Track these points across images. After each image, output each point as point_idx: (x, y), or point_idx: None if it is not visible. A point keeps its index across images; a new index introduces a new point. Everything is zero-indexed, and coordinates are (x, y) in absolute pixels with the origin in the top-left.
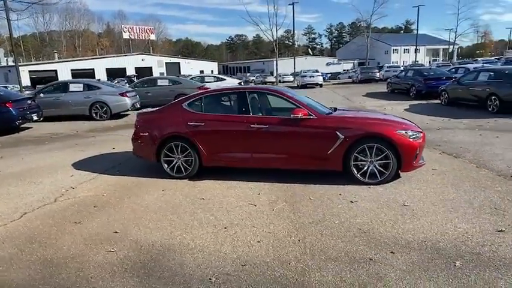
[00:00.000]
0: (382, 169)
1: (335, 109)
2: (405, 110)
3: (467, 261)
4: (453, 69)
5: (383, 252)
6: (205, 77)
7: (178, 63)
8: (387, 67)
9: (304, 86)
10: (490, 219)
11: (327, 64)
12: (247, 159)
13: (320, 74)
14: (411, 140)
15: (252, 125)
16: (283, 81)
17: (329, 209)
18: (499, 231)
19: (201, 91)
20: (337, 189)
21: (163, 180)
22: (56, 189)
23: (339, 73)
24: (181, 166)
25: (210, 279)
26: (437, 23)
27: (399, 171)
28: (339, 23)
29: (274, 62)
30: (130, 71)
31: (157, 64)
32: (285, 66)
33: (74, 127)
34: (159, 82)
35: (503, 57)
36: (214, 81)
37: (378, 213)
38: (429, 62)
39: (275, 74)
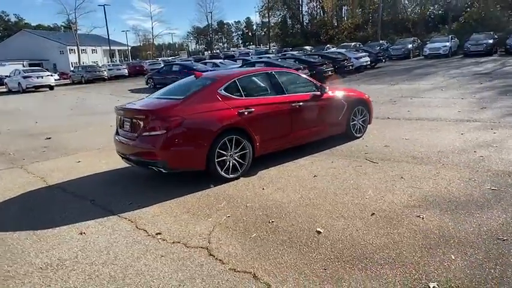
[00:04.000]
0: (363, 124)
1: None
2: None
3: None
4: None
5: (487, 149)
6: None
7: None
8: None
9: (28, 90)
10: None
11: None
12: (290, 139)
13: (49, 73)
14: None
15: (293, 104)
16: None
17: (403, 161)
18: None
19: (232, 73)
20: (356, 147)
21: (229, 185)
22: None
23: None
24: (236, 164)
25: None
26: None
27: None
28: None
29: None
30: None
31: None
32: None
33: None
34: None
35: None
36: None
37: (426, 145)
38: (108, 61)
39: None
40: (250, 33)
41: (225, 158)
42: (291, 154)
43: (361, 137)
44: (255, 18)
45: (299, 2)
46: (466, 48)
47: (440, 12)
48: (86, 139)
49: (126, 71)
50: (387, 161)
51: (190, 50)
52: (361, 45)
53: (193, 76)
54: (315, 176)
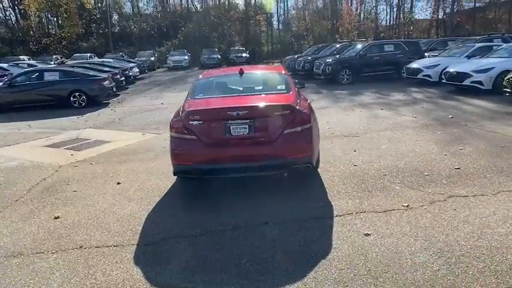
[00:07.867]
0: None
1: None
2: None
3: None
4: None
5: (388, 119)
6: None
7: None
8: None
9: None
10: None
11: None
12: None
13: None
14: None
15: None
16: None
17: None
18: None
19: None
20: None
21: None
22: None
23: None
24: None
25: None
26: None
27: None
28: None
29: None
30: None
31: None
32: None
33: None
34: None
35: None
36: None
37: (350, 124)
38: None
39: None
40: None
41: None
42: None
43: None
44: None
45: None
46: (203, 61)
47: (151, 30)
48: None
49: None
50: (364, 135)
51: None
52: (96, 56)
53: (234, 71)
54: (354, 150)
